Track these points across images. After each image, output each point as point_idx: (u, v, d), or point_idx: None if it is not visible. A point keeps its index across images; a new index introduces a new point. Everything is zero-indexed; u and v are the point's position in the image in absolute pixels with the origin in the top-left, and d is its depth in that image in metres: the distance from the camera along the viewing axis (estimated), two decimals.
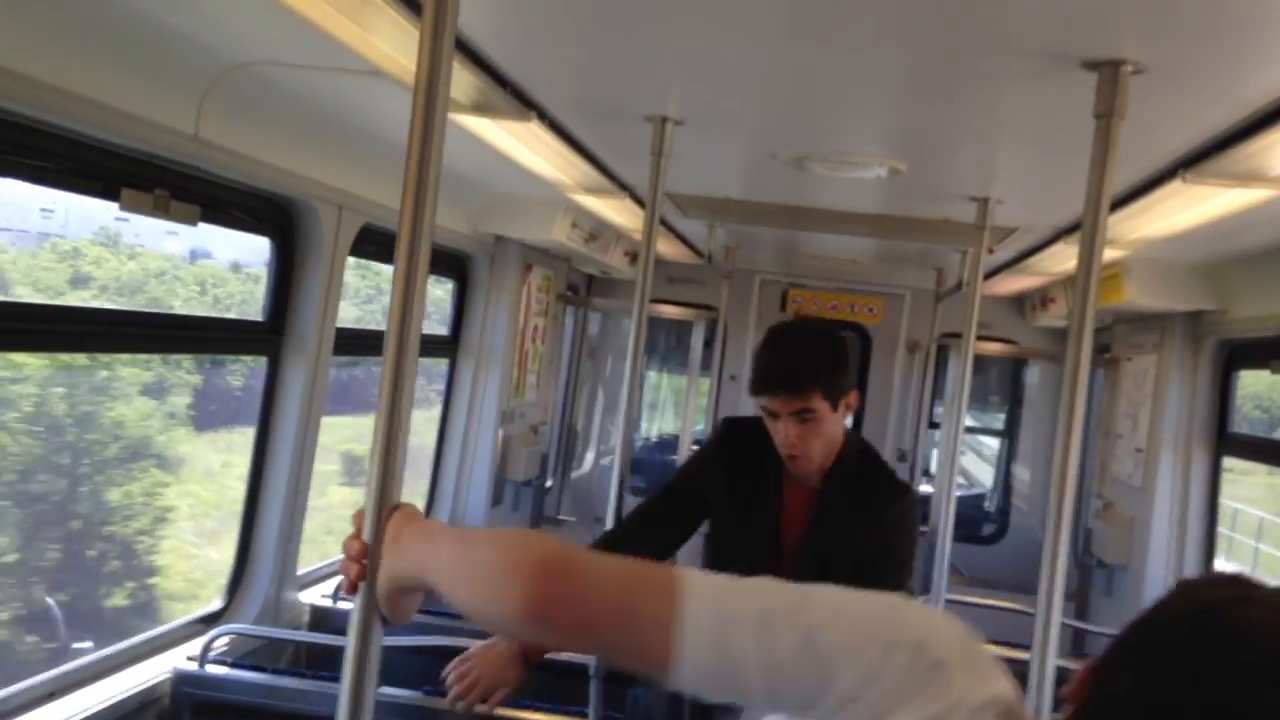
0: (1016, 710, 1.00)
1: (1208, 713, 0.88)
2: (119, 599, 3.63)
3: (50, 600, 3.14)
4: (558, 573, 1.09)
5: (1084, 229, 2.20)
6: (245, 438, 3.39)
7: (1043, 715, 1.91)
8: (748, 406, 2.77)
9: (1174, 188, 2.81)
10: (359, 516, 1.40)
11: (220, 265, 4.18)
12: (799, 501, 2.69)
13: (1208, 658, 0.90)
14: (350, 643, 1.42)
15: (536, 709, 2.86)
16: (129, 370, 3.56)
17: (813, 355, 2.55)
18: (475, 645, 2.60)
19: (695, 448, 6.52)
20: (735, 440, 2.78)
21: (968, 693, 0.98)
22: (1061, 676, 2.21)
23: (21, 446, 3.01)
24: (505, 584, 1.12)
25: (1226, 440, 4.52)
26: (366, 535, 1.40)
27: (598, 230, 5.18)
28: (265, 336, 3.28)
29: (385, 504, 1.40)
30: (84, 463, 3.48)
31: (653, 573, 1.09)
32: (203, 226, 2.84)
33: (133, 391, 3.59)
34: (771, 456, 2.66)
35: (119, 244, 3.76)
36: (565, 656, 2.87)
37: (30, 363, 2.96)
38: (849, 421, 2.75)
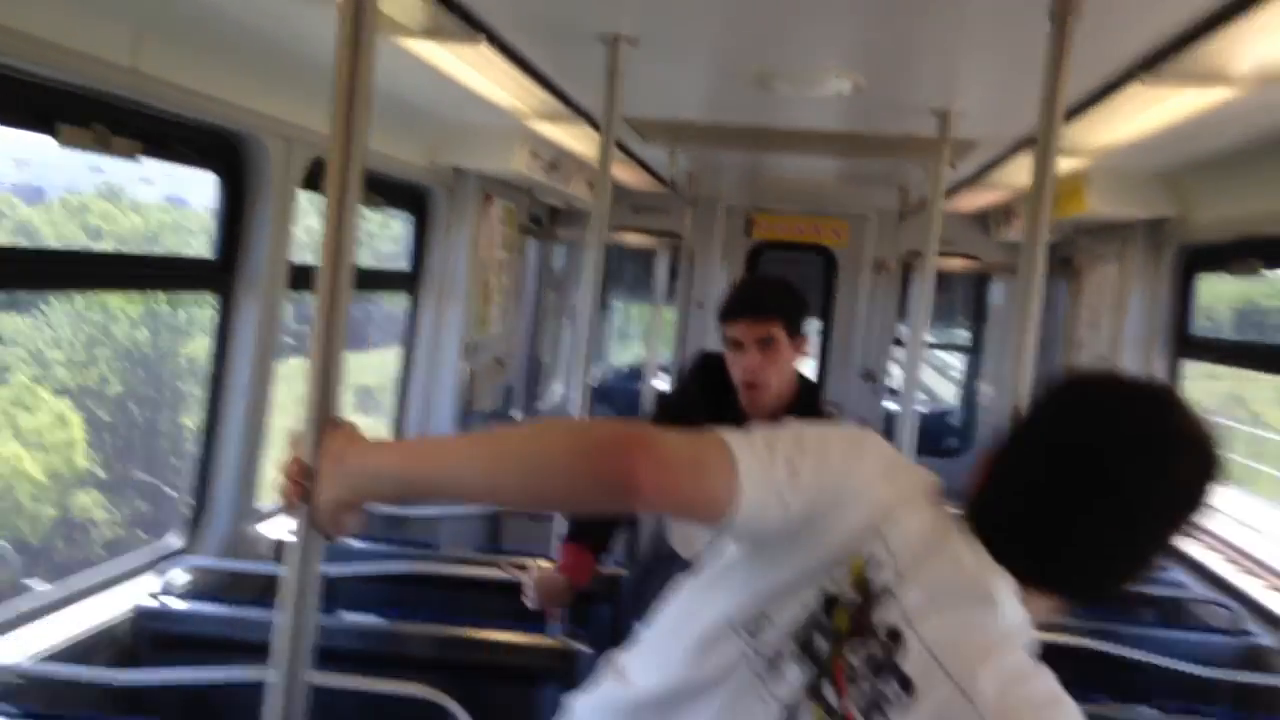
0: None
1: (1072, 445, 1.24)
2: None
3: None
4: (643, 444, 1.22)
5: (1040, 132, 2.18)
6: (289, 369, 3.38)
7: None
8: (715, 335, 2.80)
9: (1133, 91, 2.80)
10: (295, 438, 1.40)
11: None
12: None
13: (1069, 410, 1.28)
14: (292, 565, 1.41)
15: (504, 629, 2.87)
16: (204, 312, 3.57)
17: (777, 290, 2.77)
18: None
19: (661, 375, 6.53)
20: (709, 375, 2.87)
21: (916, 475, 1.36)
22: None
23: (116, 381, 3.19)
24: (594, 462, 1.22)
25: (1187, 344, 4.56)
26: (306, 457, 1.39)
27: (558, 160, 5.11)
28: (216, 274, 3.22)
29: (323, 431, 1.40)
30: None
31: (702, 433, 1.28)
32: (184, 174, 2.78)
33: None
34: (734, 395, 2.77)
35: (120, 196, 3.80)
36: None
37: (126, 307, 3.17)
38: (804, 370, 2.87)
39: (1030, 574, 1.24)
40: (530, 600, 2.82)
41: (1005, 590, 1.23)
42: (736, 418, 2.72)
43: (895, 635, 1.21)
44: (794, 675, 1.24)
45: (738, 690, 1.27)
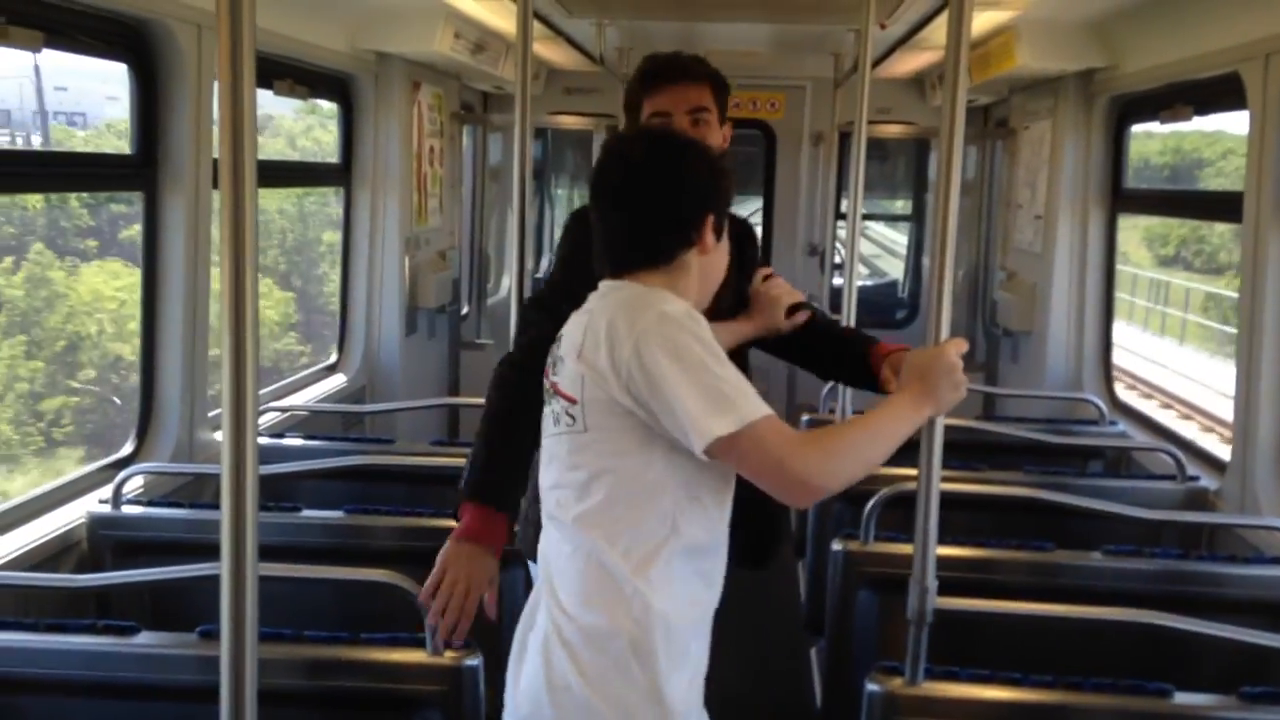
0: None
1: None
2: None
3: None
4: None
5: None
6: None
7: (932, 470, 1.97)
8: None
9: None
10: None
11: None
12: None
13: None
14: (225, 459, 1.41)
15: None
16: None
17: (702, 60, 2.37)
18: (440, 562, 2.05)
19: None
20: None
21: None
22: (972, 438, 2.26)
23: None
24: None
25: (1122, 196, 4.61)
26: (226, 363, 1.37)
27: (484, 41, 4.99)
28: (137, 170, 3.13)
29: (241, 336, 1.38)
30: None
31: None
32: None
33: None
34: None
35: None
36: None
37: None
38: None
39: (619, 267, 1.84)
40: (437, 609, 2.01)
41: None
42: None
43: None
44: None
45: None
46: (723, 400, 1.62)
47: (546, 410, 1.85)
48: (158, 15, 2.97)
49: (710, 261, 1.87)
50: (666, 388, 1.63)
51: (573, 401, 1.74)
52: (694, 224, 1.81)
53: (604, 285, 1.84)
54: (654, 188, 1.80)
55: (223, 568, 1.41)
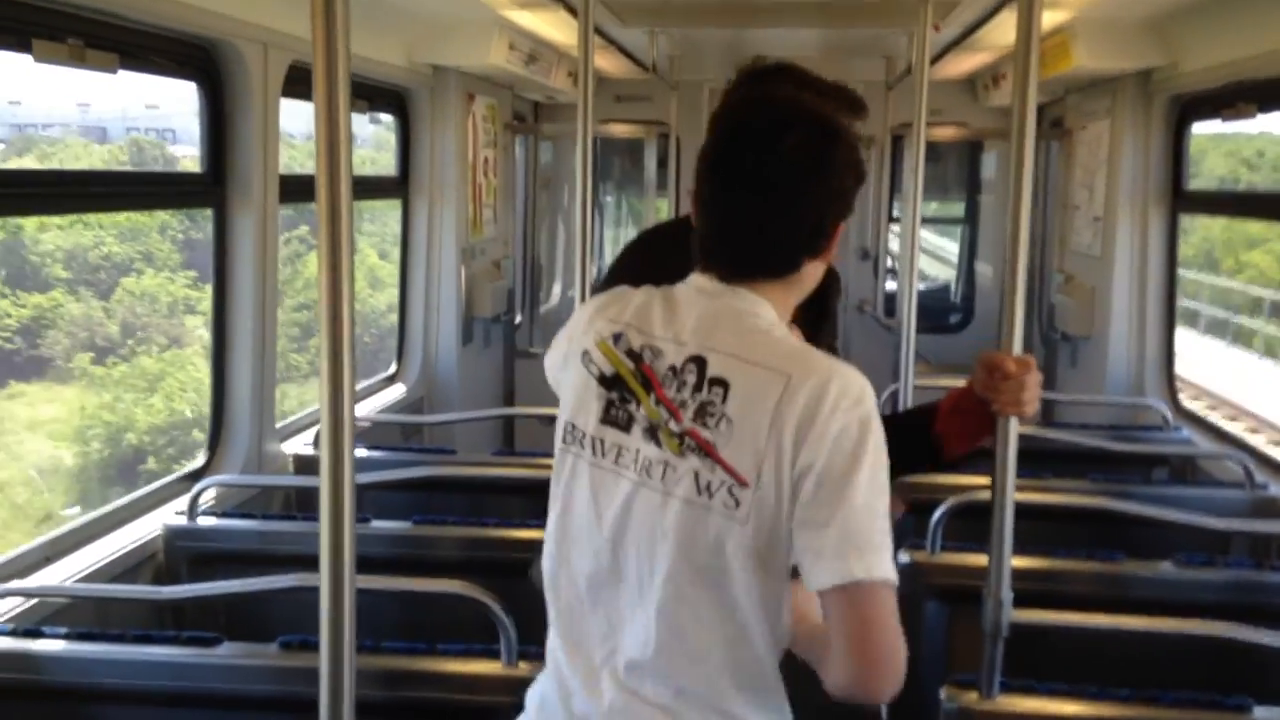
0: None
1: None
2: None
3: None
4: None
5: None
6: None
7: (1007, 482, 1.96)
8: None
9: None
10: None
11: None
12: None
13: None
14: (324, 473, 1.43)
15: (528, 527, 2.92)
16: None
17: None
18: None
19: None
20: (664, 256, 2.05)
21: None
22: (1033, 445, 2.27)
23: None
24: None
25: (1183, 197, 4.54)
26: (324, 377, 1.40)
27: (537, 51, 5.03)
28: (208, 188, 3.20)
29: (339, 348, 1.40)
30: None
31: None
32: None
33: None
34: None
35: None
36: None
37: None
38: None
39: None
40: None
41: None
42: None
43: (700, 360, 1.47)
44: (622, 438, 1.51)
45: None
46: (881, 539, 1.37)
47: (632, 446, 1.49)
48: (225, 36, 3.03)
49: (816, 272, 1.59)
50: (846, 497, 1.36)
51: (744, 484, 1.40)
52: (830, 232, 1.53)
53: (713, 287, 1.52)
54: (804, 187, 1.48)
55: (322, 580, 1.44)
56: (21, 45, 2.37)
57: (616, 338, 1.53)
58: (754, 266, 1.52)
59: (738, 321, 1.49)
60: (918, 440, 1.89)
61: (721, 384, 1.44)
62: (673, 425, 1.45)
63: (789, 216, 1.49)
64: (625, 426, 1.50)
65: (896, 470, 1.46)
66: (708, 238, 1.55)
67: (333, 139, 1.38)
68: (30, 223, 4.27)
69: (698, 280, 1.55)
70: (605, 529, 1.50)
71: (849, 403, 1.39)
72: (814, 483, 1.36)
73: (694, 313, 1.51)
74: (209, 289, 3.21)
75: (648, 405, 1.48)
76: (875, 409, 1.42)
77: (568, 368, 1.61)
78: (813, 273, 1.56)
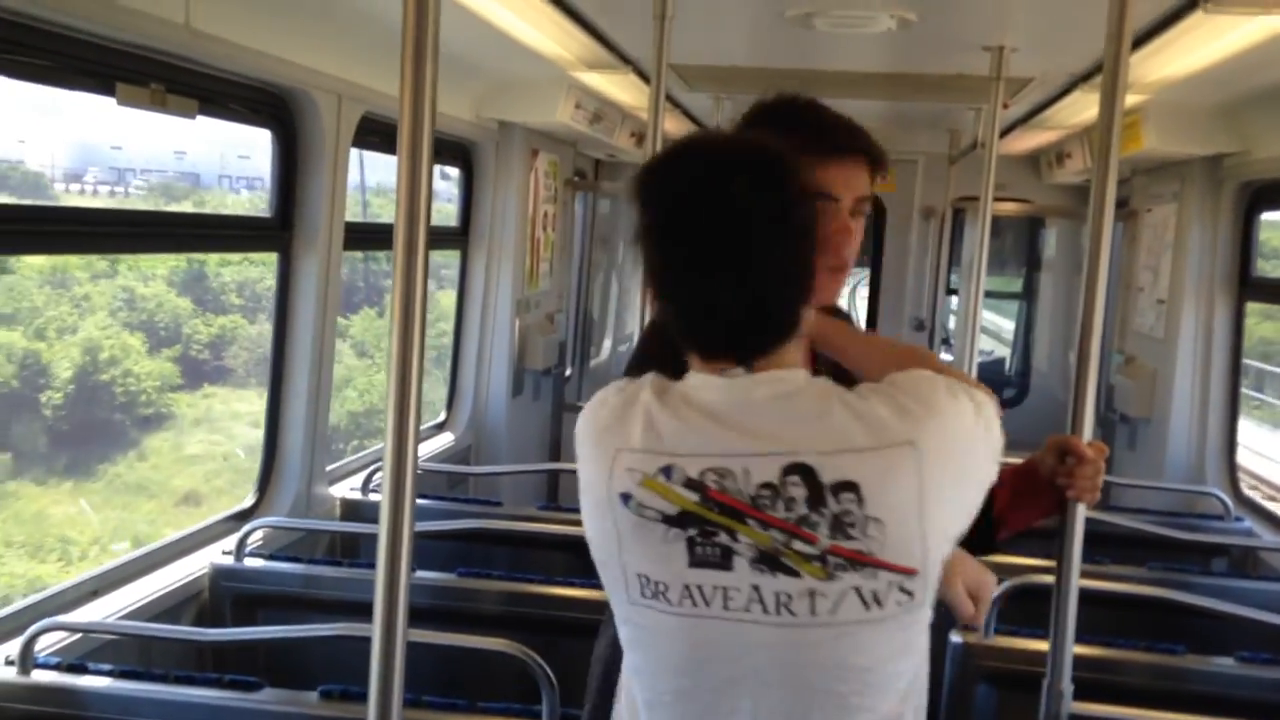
0: None
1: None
2: None
3: None
4: None
5: (1105, 64, 2.12)
6: None
7: (1072, 569, 1.91)
8: None
9: (1195, 20, 2.73)
10: None
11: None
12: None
13: None
14: (383, 526, 1.42)
15: (571, 584, 2.90)
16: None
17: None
18: None
19: None
20: None
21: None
22: (1090, 528, 2.24)
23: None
24: None
25: (1250, 285, 4.47)
26: (391, 420, 1.40)
27: (602, 111, 5.08)
28: (275, 233, 3.25)
29: (406, 398, 1.40)
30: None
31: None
32: None
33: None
34: None
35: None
36: None
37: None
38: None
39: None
40: None
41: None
42: None
43: (804, 469, 1.27)
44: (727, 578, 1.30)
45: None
46: None
47: (742, 584, 1.30)
48: (302, 85, 3.09)
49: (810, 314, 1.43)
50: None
51: (911, 572, 1.29)
52: (813, 268, 1.34)
53: (738, 380, 1.33)
54: (775, 237, 1.29)
55: (375, 631, 1.42)
56: (106, 89, 2.43)
57: (666, 471, 1.30)
58: (762, 341, 1.32)
59: (797, 408, 1.31)
60: (975, 524, 1.66)
61: (849, 488, 1.26)
62: (804, 548, 1.26)
63: (780, 283, 1.30)
64: (723, 564, 1.29)
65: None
66: (694, 326, 1.35)
67: (414, 190, 1.39)
68: (213, 259, 5.17)
69: (710, 379, 1.34)
70: (741, 687, 1.32)
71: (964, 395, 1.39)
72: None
73: (742, 417, 1.30)
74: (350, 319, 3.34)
75: (750, 533, 1.27)
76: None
77: (598, 518, 1.39)
78: (809, 316, 1.37)
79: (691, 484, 1.29)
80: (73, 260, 4.32)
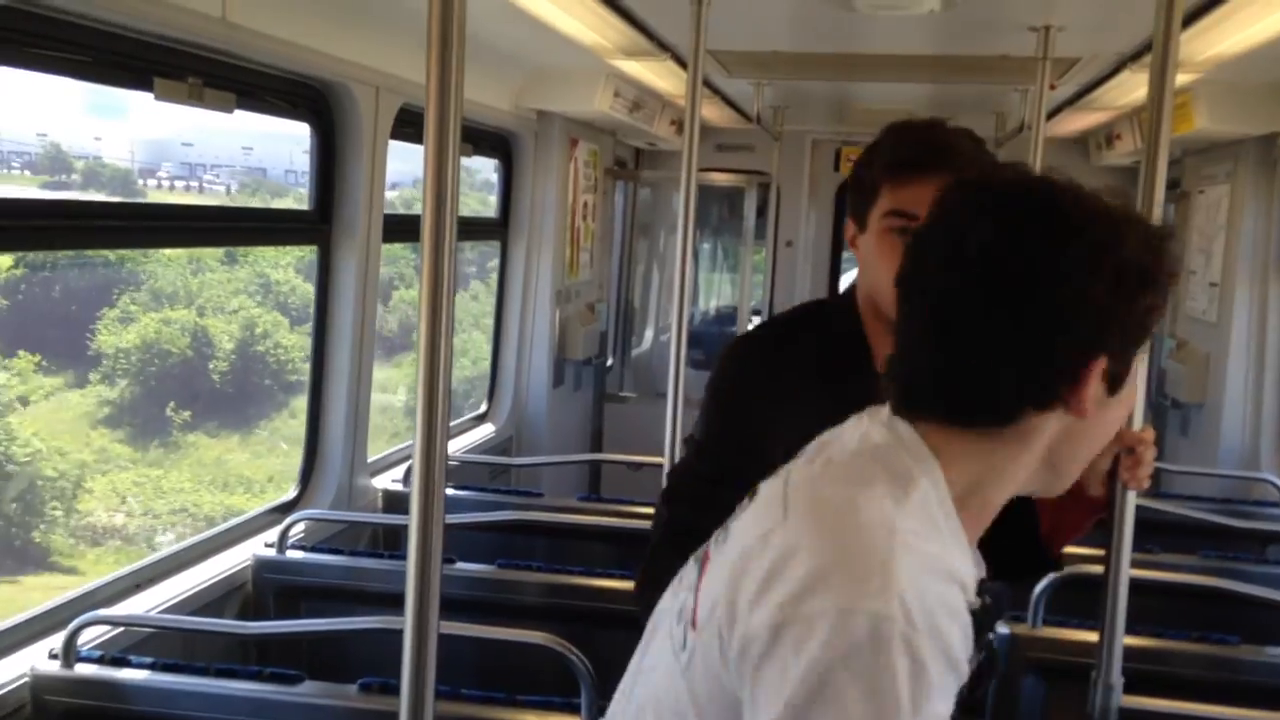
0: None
1: None
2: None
3: None
4: None
5: (1155, 43, 2.06)
6: None
7: (1123, 559, 1.87)
8: (805, 277, 2.51)
9: None
10: None
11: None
12: None
13: None
14: (414, 519, 1.41)
15: (611, 576, 2.88)
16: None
17: (976, 146, 1.74)
18: None
19: (755, 320, 6.45)
20: (790, 354, 1.81)
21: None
22: (1141, 516, 2.21)
23: None
24: None
25: None
26: (420, 412, 1.38)
27: (641, 99, 5.05)
28: (314, 225, 3.25)
29: (435, 388, 1.38)
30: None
31: None
32: None
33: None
34: (857, 354, 1.74)
35: None
36: None
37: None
38: None
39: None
40: None
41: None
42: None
43: None
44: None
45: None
46: None
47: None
48: (340, 78, 3.09)
49: (1092, 427, 1.12)
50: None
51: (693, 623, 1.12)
52: (1070, 368, 1.05)
53: (870, 416, 1.15)
54: (1013, 293, 1.03)
55: (406, 624, 1.41)
56: (144, 83, 2.44)
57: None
58: (933, 409, 1.09)
59: (859, 449, 1.11)
60: (1028, 551, 1.61)
61: (752, 495, 1.15)
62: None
63: (989, 350, 1.05)
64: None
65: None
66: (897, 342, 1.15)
67: (440, 181, 1.37)
68: None
69: (859, 418, 1.17)
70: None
71: (784, 591, 0.97)
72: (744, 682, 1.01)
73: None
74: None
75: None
76: (855, 648, 0.92)
77: None
78: (1070, 426, 1.09)
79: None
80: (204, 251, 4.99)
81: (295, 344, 5.48)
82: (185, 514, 5.16)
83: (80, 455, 4.87)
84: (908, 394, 1.10)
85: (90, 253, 4.05)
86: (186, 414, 5.29)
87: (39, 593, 3.37)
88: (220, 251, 5.19)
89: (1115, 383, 1.09)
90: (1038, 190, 1.09)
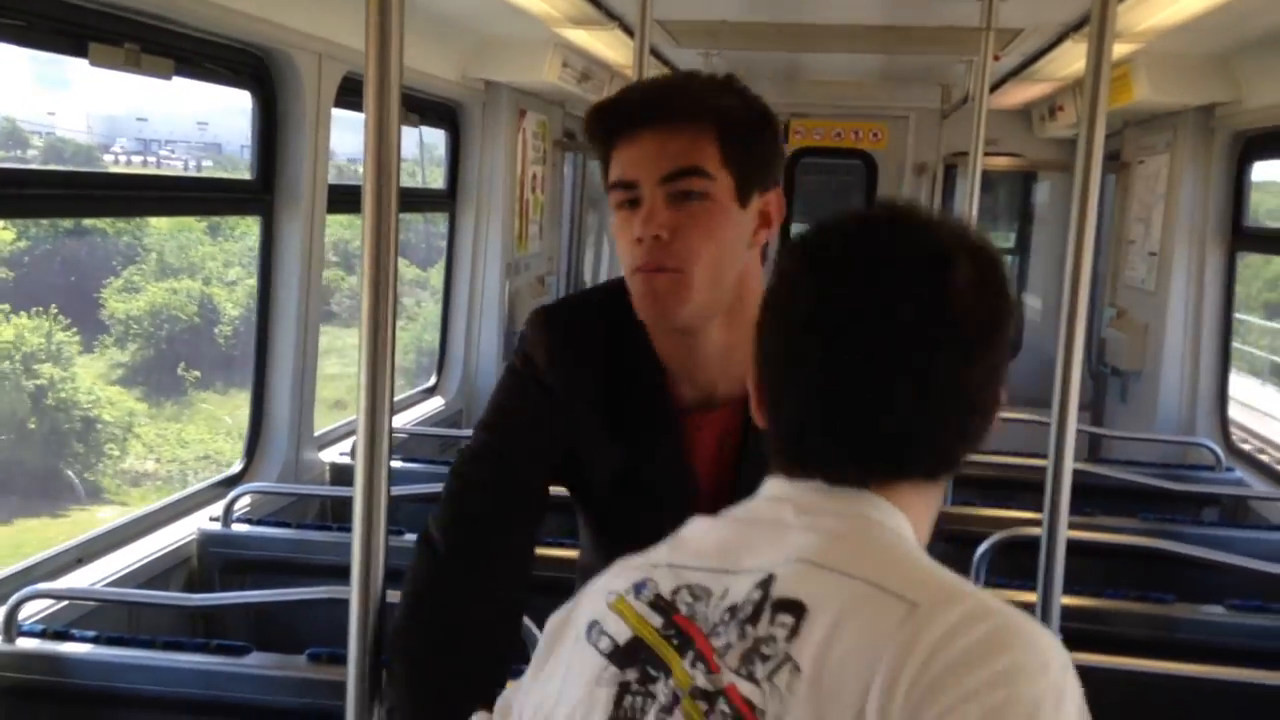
0: None
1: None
2: None
3: None
4: None
5: (1093, 12, 2.09)
6: None
7: (1060, 514, 1.91)
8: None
9: None
10: None
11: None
12: (710, 428, 1.49)
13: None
14: (358, 487, 1.41)
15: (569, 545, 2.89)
16: None
17: (712, 86, 1.42)
18: None
19: None
20: (577, 345, 1.52)
21: None
22: (1082, 480, 2.26)
23: None
24: None
25: (1243, 235, 4.45)
26: (363, 388, 1.38)
27: (590, 70, 5.03)
28: (256, 195, 3.21)
29: (379, 365, 1.38)
30: None
31: None
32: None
33: None
34: (641, 352, 1.48)
35: None
36: None
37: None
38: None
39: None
40: None
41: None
42: (662, 386, 1.47)
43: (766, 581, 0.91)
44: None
45: None
46: None
47: None
48: (281, 45, 3.04)
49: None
50: None
51: None
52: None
53: (813, 496, 0.95)
54: (990, 347, 0.96)
55: (353, 592, 1.42)
56: (79, 49, 2.38)
57: (639, 587, 0.96)
58: (891, 472, 0.96)
59: (854, 530, 0.93)
60: None
61: (792, 608, 0.86)
62: (703, 681, 0.88)
63: (966, 402, 0.95)
64: None
65: None
66: (803, 424, 0.97)
67: (382, 150, 1.37)
68: None
69: (780, 487, 0.98)
70: None
71: (1006, 666, 0.80)
72: None
73: (776, 535, 0.94)
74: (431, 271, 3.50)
75: (679, 671, 0.90)
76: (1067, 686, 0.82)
77: (550, 663, 1.01)
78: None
79: (659, 604, 0.95)
80: (190, 223, 5.49)
81: None
82: (208, 460, 5.82)
83: (129, 404, 5.71)
84: (861, 456, 0.95)
85: (89, 223, 4.50)
86: (196, 373, 5.95)
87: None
88: (203, 225, 5.57)
89: None
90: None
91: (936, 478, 1.00)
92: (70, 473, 5.43)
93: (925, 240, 0.96)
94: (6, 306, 4.98)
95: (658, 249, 1.34)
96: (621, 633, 0.95)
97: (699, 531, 1.00)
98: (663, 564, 0.97)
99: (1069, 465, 1.88)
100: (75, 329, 5.31)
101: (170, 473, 5.78)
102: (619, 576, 1.00)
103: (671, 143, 1.34)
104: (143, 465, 5.78)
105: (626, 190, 1.37)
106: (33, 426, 5.25)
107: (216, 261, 5.89)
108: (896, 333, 0.93)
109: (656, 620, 0.93)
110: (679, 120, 1.35)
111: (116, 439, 5.61)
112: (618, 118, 1.39)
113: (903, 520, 0.95)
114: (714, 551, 0.96)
